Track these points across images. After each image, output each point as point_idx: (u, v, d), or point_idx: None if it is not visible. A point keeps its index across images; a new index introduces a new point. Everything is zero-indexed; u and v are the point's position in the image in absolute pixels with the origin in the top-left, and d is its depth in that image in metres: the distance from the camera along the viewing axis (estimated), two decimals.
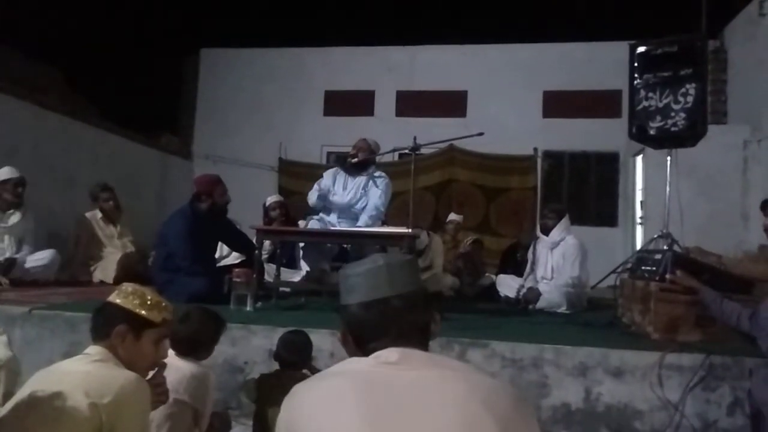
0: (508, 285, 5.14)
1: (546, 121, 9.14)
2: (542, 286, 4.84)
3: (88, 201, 5.85)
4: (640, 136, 4.07)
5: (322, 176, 4.90)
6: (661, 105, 3.89)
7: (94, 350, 1.71)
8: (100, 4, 8.63)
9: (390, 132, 7.43)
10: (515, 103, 9.11)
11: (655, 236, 4.04)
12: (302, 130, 9.61)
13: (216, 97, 10.15)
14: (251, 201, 6.20)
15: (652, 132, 3.96)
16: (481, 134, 3.99)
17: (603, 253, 5.87)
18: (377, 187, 4.66)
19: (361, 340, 1.21)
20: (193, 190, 4.57)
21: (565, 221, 5.05)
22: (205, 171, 6.39)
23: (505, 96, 9.15)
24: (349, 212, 4.68)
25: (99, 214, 5.73)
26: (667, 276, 3.25)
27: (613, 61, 7.38)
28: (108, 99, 8.83)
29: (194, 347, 2.21)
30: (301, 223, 5.18)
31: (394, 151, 5.63)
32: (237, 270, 3.98)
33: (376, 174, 4.75)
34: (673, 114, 3.84)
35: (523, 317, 4.36)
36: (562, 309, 4.69)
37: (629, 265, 3.97)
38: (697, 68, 3.82)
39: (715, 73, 7.96)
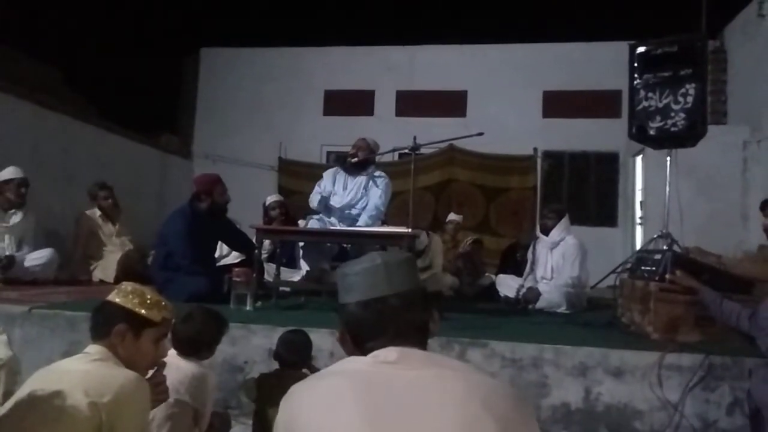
0: (507, 285, 5.14)
1: (546, 121, 9.14)
2: (542, 286, 4.84)
3: (87, 200, 5.85)
4: (640, 136, 4.07)
5: (322, 177, 4.90)
6: (660, 105, 3.89)
7: (93, 349, 1.71)
8: (100, 3, 8.63)
9: (390, 132, 7.43)
10: (515, 103, 9.11)
11: (655, 236, 4.04)
12: (302, 130, 9.61)
13: (216, 97, 10.14)
14: (251, 200, 6.20)
15: (651, 132, 3.96)
16: (480, 134, 3.99)
17: (603, 253, 5.87)
18: (377, 186, 4.66)
19: (360, 340, 1.20)
20: (192, 190, 4.58)
21: (564, 221, 5.05)
22: (205, 170, 6.38)
23: (505, 96, 9.15)
24: (348, 215, 4.68)
25: (98, 212, 5.74)
26: (667, 276, 3.25)
27: (613, 61, 7.37)
28: (108, 98, 8.84)
29: (196, 347, 2.21)
30: (301, 223, 5.18)
31: (393, 150, 5.63)
32: (237, 269, 3.98)
33: (376, 174, 4.76)
34: (672, 114, 3.84)
35: (523, 317, 4.36)
36: (562, 309, 4.68)
37: (629, 265, 3.97)
38: (696, 68, 3.82)
39: (714, 73, 7.96)
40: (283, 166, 8.42)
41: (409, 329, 1.19)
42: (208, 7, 10.10)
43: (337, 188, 4.74)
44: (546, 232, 5.05)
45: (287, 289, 4.68)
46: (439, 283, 5.21)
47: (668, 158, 4.01)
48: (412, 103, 9.56)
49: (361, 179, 4.70)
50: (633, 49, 4.09)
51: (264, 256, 5.09)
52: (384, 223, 4.77)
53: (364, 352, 1.16)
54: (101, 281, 5.36)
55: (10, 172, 4.99)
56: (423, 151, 4.32)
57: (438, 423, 1.01)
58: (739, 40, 7.96)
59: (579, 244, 4.93)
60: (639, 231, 7.97)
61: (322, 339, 2.96)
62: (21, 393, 1.61)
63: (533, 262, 5.08)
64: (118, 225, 5.80)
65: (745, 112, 7.52)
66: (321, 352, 2.90)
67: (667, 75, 3.89)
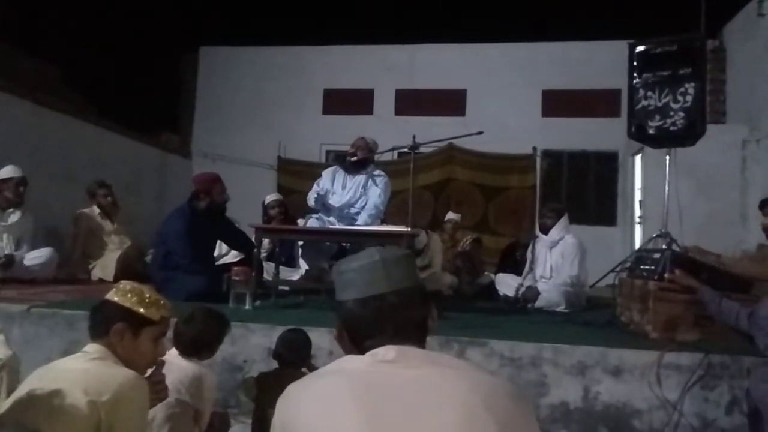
0: (507, 284, 5.14)
1: (545, 120, 9.14)
2: (541, 285, 4.84)
3: (86, 198, 5.85)
4: (639, 135, 4.08)
5: (321, 176, 4.90)
6: (660, 104, 3.90)
7: (92, 348, 1.71)
8: (100, 2, 8.63)
9: (389, 131, 7.41)
10: (514, 102, 9.10)
11: (654, 235, 4.05)
12: (301, 129, 9.60)
13: (215, 96, 10.13)
14: (250, 199, 6.20)
15: (651, 131, 3.97)
16: (480, 133, 3.99)
17: (602, 253, 5.87)
18: (376, 185, 4.67)
19: (357, 337, 1.18)
20: (191, 189, 4.57)
21: (564, 220, 5.05)
22: (204, 169, 6.37)
23: (505, 95, 9.15)
24: (347, 214, 4.68)
25: (96, 210, 5.73)
26: (666, 275, 3.26)
27: (613, 61, 7.37)
28: (107, 97, 8.83)
29: (198, 348, 2.21)
30: (300, 222, 5.18)
31: (393, 149, 5.61)
32: (236, 268, 3.98)
33: (375, 173, 4.76)
34: (672, 113, 3.85)
35: (522, 316, 4.36)
36: (561, 308, 4.68)
37: (628, 264, 3.98)
38: (696, 68, 3.83)
39: (714, 72, 7.95)
40: (282, 165, 8.41)
41: (408, 327, 1.17)
42: (208, 5, 10.11)
43: (336, 187, 4.74)
44: (545, 231, 5.05)
45: (286, 288, 4.68)
46: (438, 282, 5.22)
47: (667, 157, 4.02)
48: (411, 102, 9.55)
49: (360, 178, 4.70)
50: (632, 48, 4.10)
51: (263, 255, 5.09)
52: (383, 222, 4.77)
53: (362, 350, 1.15)
54: (100, 280, 5.36)
55: (8, 171, 4.98)
56: (422, 150, 4.32)
57: (438, 423, 0.99)
58: (738, 40, 7.96)
59: (578, 244, 4.93)
60: (638, 230, 7.97)
61: (322, 338, 2.96)
62: (20, 392, 1.61)
63: (532, 261, 5.08)
64: (116, 223, 5.80)
65: (745, 111, 7.52)
66: (320, 351, 2.90)
67: (666, 74, 3.90)
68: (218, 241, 4.95)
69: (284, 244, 5.07)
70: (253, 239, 4.32)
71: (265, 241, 5.09)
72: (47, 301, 3.62)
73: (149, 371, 1.82)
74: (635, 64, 4.06)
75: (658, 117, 3.91)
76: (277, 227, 5.08)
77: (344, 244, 4.77)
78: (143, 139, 8.73)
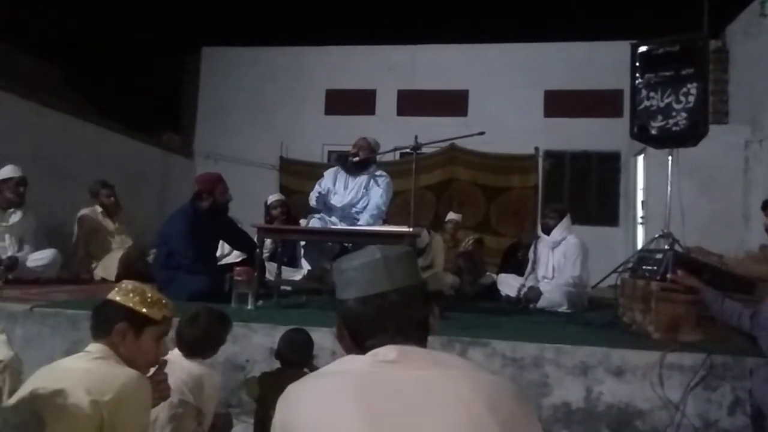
0: (509, 284, 5.13)
1: (547, 120, 9.14)
2: (543, 286, 4.84)
3: (88, 198, 5.85)
4: (642, 135, 4.07)
5: (323, 176, 4.90)
6: (662, 105, 3.89)
7: (95, 348, 1.71)
8: (101, 3, 8.64)
9: (391, 131, 7.44)
10: (516, 103, 9.10)
11: (656, 236, 4.04)
12: (303, 129, 9.61)
13: (217, 96, 10.15)
14: (252, 200, 6.21)
15: (653, 132, 3.96)
16: (482, 133, 3.98)
17: (604, 253, 5.87)
18: (378, 186, 4.67)
19: (358, 336, 1.17)
20: (194, 189, 4.57)
21: (566, 221, 5.05)
22: (207, 169, 6.39)
23: (506, 95, 9.15)
24: (349, 214, 4.68)
25: (99, 209, 5.74)
26: (668, 275, 3.25)
27: (615, 61, 7.36)
28: (109, 97, 8.85)
29: (201, 348, 2.21)
30: (303, 222, 5.18)
31: (395, 150, 5.64)
32: (238, 268, 3.98)
33: (377, 173, 4.76)
34: (674, 114, 3.84)
35: (524, 316, 4.36)
36: (563, 308, 4.68)
37: (630, 265, 3.97)
38: (698, 68, 3.82)
39: (716, 72, 7.95)
40: (284, 166, 8.41)
41: (410, 326, 1.16)
42: (210, 6, 10.12)
43: (338, 188, 4.74)
44: (547, 231, 5.05)
45: (288, 288, 4.67)
46: (440, 283, 5.21)
47: (670, 158, 4.01)
48: (413, 103, 9.55)
49: (362, 179, 4.70)
50: (635, 48, 4.09)
51: (265, 255, 5.08)
52: (385, 222, 4.77)
53: (363, 349, 1.14)
54: (103, 279, 5.36)
55: (8, 171, 4.97)
56: (424, 150, 4.32)
57: (441, 425, 0.98)
58: (740, 40, 7.95)
59: (580, 244, 4.93)
60: (640, 230, 7.96)
61: (324, 338, 2.96)
62: (23, 391, 1.62)
63: (534, 262, 5.08)
64: (118, 223, 5.80)
65: (747, 111, 7.51)
66: (323, 351, 2.90)
67: (668, 74, 3.89)
68: (221, 241, 4.95)
69: (286, 244, 5.07)
70: (255, 239, 4.32)
71: (268, 241, 5.09)
72: (50, 301, 3.62)
73: (151, 371, 1.82)
74: (637, 64, 4.05)
75: (660, 117, 3.90)
76: (280, 227, 5.08)
77: (346, 245, 4.77)
78: (145, 140, 8.74)
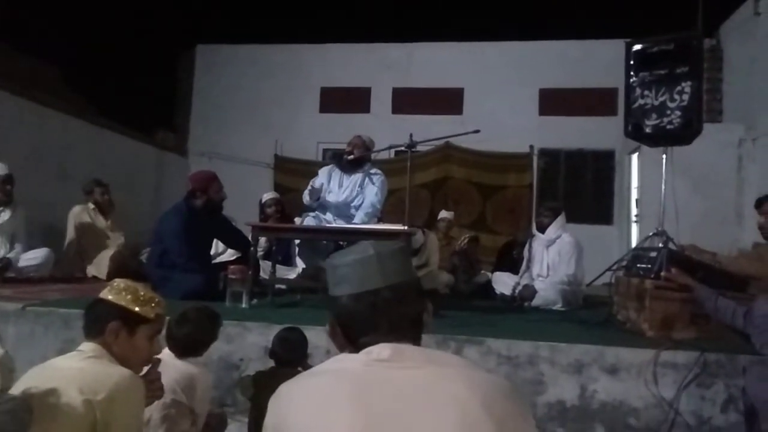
0: (503, 282, 5.14)
1: (542, 118, 9.15)
2: (538, 284, 4.85)
3: (82, 195, 5.83)
4: (636, 134, 4.07)
5: (317, 174, 4.89)
6: (656, 103, 3.90)
7: (87, 347, 1.70)
8: (97, 1, 8.59)
9: (386, 129, 7.42)
10: (511, 101, 9.11)
11: (651, 234, 4.05)
12: (298, 127, 9.60)
13: (212, 94, 10.12)
14: (247, 198, 6.19)
15: (647, 130, 3.96)
16: (477, 132, 3.99)
17: (598, 251, 5.87)
18: (373, 184, 4.67)
19: (352, 334, 1.16)
20: (188, 187, 4.56)
21: (560, 219, 5.05)
22: (201, 168, 6.38)
23: (502, 94, 9.15)
24: (344, 212, 4.67)
25: (91, 206, 5.71)
26: (662, 273, 3.26)
27: (609, 59, 7.37)
28: (104, 95, 8.80)
29: (192, 347, 2.20)
30: (297, 220, 5.18)
31: (390, 148, 5.61)
32: (232, 267, 3.98)
33: (372, 171, 4.76)
34: (668, 112, 3.85)
35: (519, 314, 4.36)
36: (558, 306, 4.69)
37: (624, 263, 3.98)
38: (692, 66, 3.83)
39: (710, 71, 7.97)
40: (279, 164, 8.39)
41: (403, 323, 1.15)
42: (205, 3, 10.07)
43: (332, 186, 4.74)
44: (542, 229, 5.06)
45: (283, 286, 4.67)
46: (435, 281, 5.21)
47: (664, 156, 4.02)
48: (408, 101, 9.55)
49: (357, 177, 4.70)
50: (629, 47, 4.10)
51: (260, 253, 5.08)
52: (380, 220, 4.77)
53: (357, 347, 1.13)
54: (95, 277, 5.34)
55: None
56: (419, 148, 4.33)
57: (436, 424, 0.97)
58: (735, 39, 7.97)
59: (575, 242, 4.94)
60: (635, 229, 7.99)
61: (318, 337, 2.95)
62: (15, 391, 1.61)
63: (529, 260, 5.08)
64: (110, 221, 5.78)
65: (741, 110, 7.54)
66: (317, 349, 2.90)
67: (663, 73, 3.90)
68: (215, 240, 4.94)
69: (281, 242, 5.06)
70: (249, 238, 4.31)
71: (262, 240, 5.08)
72: (42, 300, 3.60)
73: (145, 369, 1.82)
74: (632, 62, 4.06)
75: (654, 116, 3.91)
76: (274, 225, 5.07)
77: (341, 243, 4.76)
78: (140, 138, 8.72)
